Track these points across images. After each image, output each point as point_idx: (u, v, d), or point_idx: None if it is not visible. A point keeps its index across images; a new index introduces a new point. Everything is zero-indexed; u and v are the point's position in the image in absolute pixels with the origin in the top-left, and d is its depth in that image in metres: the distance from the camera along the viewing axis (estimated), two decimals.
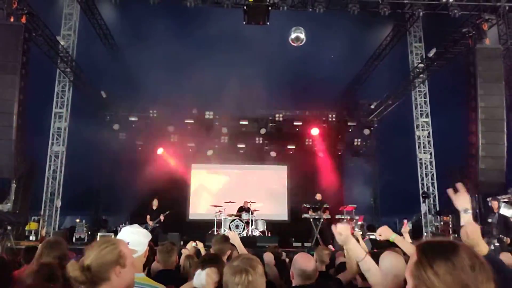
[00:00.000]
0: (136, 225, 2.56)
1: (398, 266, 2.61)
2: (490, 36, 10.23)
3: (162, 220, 11.57)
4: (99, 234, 12.00)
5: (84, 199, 15.63)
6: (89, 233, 13.13)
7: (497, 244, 8.37)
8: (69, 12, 14.02)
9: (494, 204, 9.52)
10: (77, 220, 13.23)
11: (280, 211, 16.19)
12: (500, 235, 8.11)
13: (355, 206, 12.30)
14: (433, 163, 14.63)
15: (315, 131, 16.06)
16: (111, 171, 15.45)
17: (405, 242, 2.48)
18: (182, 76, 13.31)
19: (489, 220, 9.72)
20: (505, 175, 9.09)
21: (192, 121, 15.52)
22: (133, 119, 15.55)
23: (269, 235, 12.16)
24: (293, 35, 11.30)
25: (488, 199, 10.83)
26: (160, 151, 15.48)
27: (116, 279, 1.76)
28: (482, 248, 1.92)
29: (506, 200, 10.51)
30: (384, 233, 2.68)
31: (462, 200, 2.14)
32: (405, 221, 3.97)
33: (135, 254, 2.23)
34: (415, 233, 13.75)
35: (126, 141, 15.76)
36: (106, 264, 1.74)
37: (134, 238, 2.34)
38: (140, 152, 16.04)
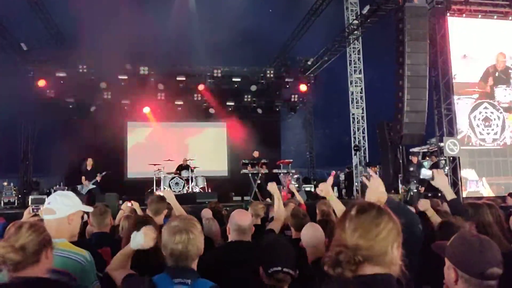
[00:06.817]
0: (71, 192, 2.52)
1: (317, 237, 2.91)
2: None
3: (99, 181, 11.26)
4: (30, 197, 11.38)
5: (11, 161, 14.64)
6: (19, 196, 12.47)
7: (415, 190, 9.44)
8: None
9: (414, 158, 10.94)
10: (5, 183, 12.46)
11: (220, 168, 16.42)
12: (417, 184, 9.16)
13: (292, 160, 12.78)
14: (365, 117, 15.41)
15: (253, 87, 16.13)
16: (40, 131, 14.51)
17: (339, 204, 2.68)
18: (113, 29, 12.46)
19: (410, 169, 10.87)
20: (425, 128, 9.89)
21: (126, 77, 14.78)
22: (61, 75, 14.44)
23: (209, 191, 12.35)
24: None
25: (410, 151, 11.98)
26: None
27: (45, 261, 1.79)
28: (381, 197, 2.07)
29: (425, 150, 11.67)
30: (325, 189, 2.84)
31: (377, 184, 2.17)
32: (333, 172, 4.25)
33: (53, 216, 2.26)
34: (348, 183, 14.83)
35: (55, 99, 14.72)
36: (38, 245, 1.76)
37: (57, 199, 2.31)
38: (71, 110, 15.21)
